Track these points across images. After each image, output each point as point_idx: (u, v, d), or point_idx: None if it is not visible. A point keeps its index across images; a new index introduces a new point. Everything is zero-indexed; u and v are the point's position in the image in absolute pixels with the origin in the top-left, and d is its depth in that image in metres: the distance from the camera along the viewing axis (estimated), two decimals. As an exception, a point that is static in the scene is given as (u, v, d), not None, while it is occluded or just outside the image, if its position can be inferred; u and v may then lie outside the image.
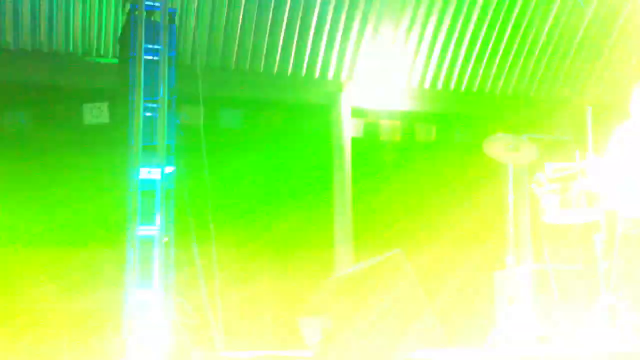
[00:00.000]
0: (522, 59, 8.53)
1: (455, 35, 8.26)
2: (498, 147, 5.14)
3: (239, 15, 7.71)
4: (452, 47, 8.33)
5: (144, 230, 5.37)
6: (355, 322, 4.11)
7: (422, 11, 8.08)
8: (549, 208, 4.82)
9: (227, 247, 6.57)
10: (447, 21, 8.16)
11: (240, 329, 6.80)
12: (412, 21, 8.14)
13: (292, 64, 8.21)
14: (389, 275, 4.27)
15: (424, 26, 8.16)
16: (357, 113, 8.49)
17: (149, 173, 5.46)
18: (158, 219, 5.39)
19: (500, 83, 8.68)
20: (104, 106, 7.63)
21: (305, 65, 8.21)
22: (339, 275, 4.65)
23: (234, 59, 7.99)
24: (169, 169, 5.64)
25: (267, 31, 7.86)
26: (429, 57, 8.38)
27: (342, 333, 4.12)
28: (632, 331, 4.45)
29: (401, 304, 4.24)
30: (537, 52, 8.50)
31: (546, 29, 8.32)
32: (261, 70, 8.20)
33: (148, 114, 5.57)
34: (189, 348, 5.31)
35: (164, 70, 5.60)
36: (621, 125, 5.10)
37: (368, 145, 8.46)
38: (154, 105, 5.63)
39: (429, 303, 4.33)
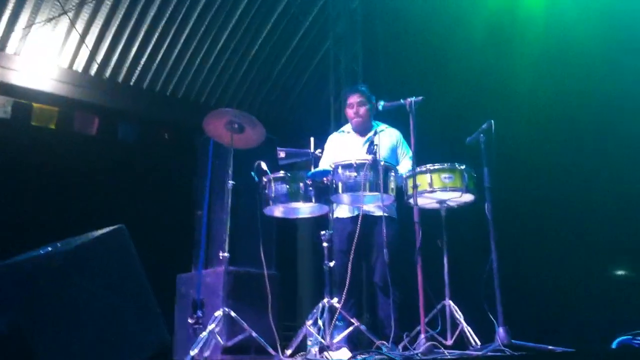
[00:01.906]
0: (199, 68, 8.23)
1: (130, 26, 7.57)
2: (220, 123, 4.45)
3: None
4: (124, 37, 7.61)
5: None
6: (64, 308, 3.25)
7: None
8: (274, 199, 4.37)
9: None
10: (121, 10, 7.44)
11: None
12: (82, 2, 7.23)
13: None
14: (109, 252, 3.49)
15: (95, 11, 7.31)
16: (5, 90, 7.19)
17: None
18: None
19: (173, 84, 8.22)
20: None
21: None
22: (22, 258, 3.62)
23: None
24: None
25: None
26: (98, 43, 7.53)
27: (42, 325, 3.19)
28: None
29: (121, 285, 3.50)
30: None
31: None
32: None
33: None
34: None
35: None
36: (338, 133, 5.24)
37: (18, 128, 7.19)
38: None
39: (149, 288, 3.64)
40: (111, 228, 3.60)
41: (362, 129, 5.08)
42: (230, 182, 4.62)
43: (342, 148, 5.05)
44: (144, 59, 7.87)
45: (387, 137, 5.04)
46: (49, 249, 3.68)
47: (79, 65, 7.57)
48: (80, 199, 7.13)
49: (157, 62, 7.95)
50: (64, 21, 7.24)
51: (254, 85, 8.77)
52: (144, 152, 7.96)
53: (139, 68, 7.90)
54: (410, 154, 4.68)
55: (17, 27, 7.04)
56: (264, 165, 4.61)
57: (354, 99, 5.07)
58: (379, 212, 4.70)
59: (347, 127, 5.22)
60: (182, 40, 7.94)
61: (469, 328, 4.55)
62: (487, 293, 4.21)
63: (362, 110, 5.03)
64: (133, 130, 7.98)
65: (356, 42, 8.05)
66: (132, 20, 7.55)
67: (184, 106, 8.30)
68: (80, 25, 7.35)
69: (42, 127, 7.38)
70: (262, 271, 4.75)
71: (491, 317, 4.21)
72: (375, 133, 4.99)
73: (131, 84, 7.93)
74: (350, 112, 5.10)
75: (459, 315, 4.61)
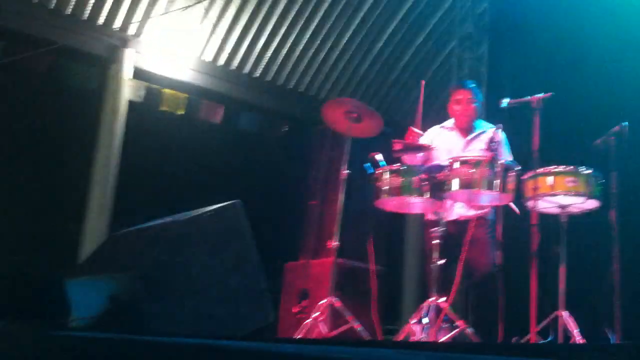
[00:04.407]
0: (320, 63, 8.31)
1: (259, 19, 7.77)
2: (339, 111, 4.51)
3: None
4: (253, 30, 7.81)
5: None
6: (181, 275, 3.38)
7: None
8: (387, 192, 4.31)
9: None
10: (252, 3, 7.64)
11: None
12: (217, -9, 7.48)
13: (74, 2, 7.09)
14: (223, 225, 3.60)
15: (228, 2, 7.55)
16: (139, 75, 7.55)
17: None
18: None
19: (294, 79, 8.35)
20: None
21: (88, 7, 7.13)
22: (143, 226, 3.81)
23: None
24: None
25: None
26: (228, 34, 7.77)
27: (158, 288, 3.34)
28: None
29: (232, 259, 3.59)
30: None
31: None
32: (34, 1, 6.96)
33: None
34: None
35: None
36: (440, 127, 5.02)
37: (146, 113, 7.53)
38: None
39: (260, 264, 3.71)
40: (227, 203, 3.67)
41: (466, 127, 4.91)
42: (346, 171, 4.61)
43: (441, 143, 4.87)
44: (269, 53, 8.04)
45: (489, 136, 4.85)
46: (168, 219, 3.81)
47: (208, 55, 7.84)
48: (199, 182, 7.39)
49: (282, 56, 8.10)
50: (198, 10, 7.51)
51: (374, 84, 8.76)
52: (263, 142, 8.14)
53: (264, 61, 8.07)
54: (510, 157, 4.51)
55: (153, 14, 7.38)
56: (379, 157, 4.55)
57: (463, 94, 4.91)
58: (472, 212, 4.59)
59: (449, 123, 5.02)
60: (307, 36, 8.06)
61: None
62: (606, 308, 3.98)
63: (471, 108, 4.87)
64: (254, 121, 8.17)
65: (482, 44, 7.87)
66: (260, 14, 7.74)
67: (304, 100, 8.41)
68: (213, 15, 7.60)
69: (170, 113, 7.69)
70: (368, 265, 4.72)
71: (608, 334, 3.97)
72: (483, 132, 4.80)
73: (256, 76, 8.12)
74: (456, 108, 4.92)
75: (574, 328, 4.36)
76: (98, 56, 7.42)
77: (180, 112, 7.77)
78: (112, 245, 4.11)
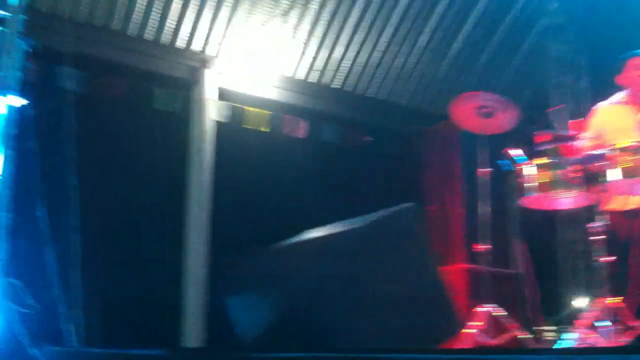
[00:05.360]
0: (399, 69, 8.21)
1: (335, 30, 7.70)
2: (468, 108, 4.31)
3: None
4: (331, 41, 7.74)
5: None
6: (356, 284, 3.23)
7: (304, -4, 7.40)
8: (533, 189, 4.11)
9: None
10: (327, 13, 7.57)
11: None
12: (292, 4, 7.42)
13: (154, 28, 7.06)
14: (399, 231, 3.44)
15: (303, 13, 7.49)
16: (223, 95, 7.50)
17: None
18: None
19: (372, 87, 8.25)
20: None
21: (168, 31, 7.10)
22: (308, 237, 3.69)
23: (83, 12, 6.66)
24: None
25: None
26: (304, 48, 7.70)
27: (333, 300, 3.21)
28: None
29: (412, 266, 3.43)
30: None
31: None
32: (116, 29, 6.94)
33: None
34: (26, 342, 3.88)
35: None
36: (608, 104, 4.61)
37: (232, 132, 7.47)
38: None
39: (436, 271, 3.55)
40: (401, 206, 3.52)
41: None
42: (484, 169, 4.43)
43: (614, 123, 4.51)
44: (347, 62, 7.97)
45: None
46: (334, 228, 3.67)
47: (288, 69, 7.77)
48: (294, 195, 7.34)
49: (359, 64, 8.02)
50: (274, 25, 7.45)
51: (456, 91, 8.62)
52: (347, 153, 8.06)
53: (342, 71, 8.00)
54: None
55: (230, 32, 7.32)
56: (516, 152, 4.37)
57: None
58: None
59: (620, 97, 4.64)
60: (383, 43, 7.98)
61: None
62: None
63: None
64: (337, 132, 8.09)
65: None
66: (335, 24, 7.67)
67: (386, 109, 8.32)
68: (289, 29, 7.55)
69: (255, 130, 7.62)
70: (510, 269, 4.58)
71: None
72: None
73: (335, 86, 8.05)
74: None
75: None
76: (181, 79, 7.38)
77: (265, 129, 7.70)
78: (268, 260, 3.99)
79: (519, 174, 4.30)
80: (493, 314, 4.21)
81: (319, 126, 8.05)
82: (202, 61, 7.40)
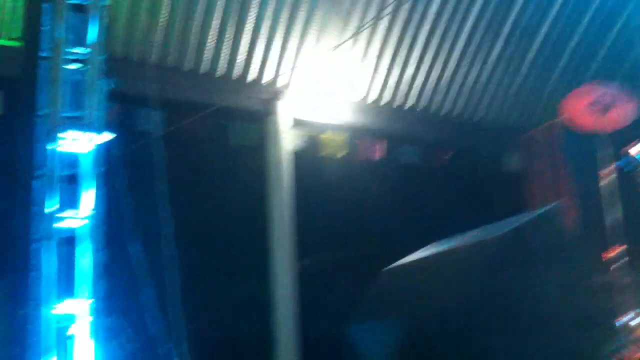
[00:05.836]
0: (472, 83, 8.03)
1: (405, 50, 7.60)
2: (581, 104, 3.96)
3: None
4: (399, 62, 7.64)
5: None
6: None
7: (369, 18, 7.32)
8: None
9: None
10: (395, 34, 7.49)
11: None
12: (359, 29, 7.36)
13: (225, 64, 7.11)
14: (549, 235, 3.08)
15: (371, 37, 7.42)
16: (296, 124, 7.47)
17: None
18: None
19: (447, 104, 8.08)
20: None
21: (239, 67, 7.14)
22: (436, 251, 3.42)
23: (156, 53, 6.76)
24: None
25: (199, 26, 6.74)
26: (375, 70, 7.62)
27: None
28: None
29: (568, 273, 3.05)
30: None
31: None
32: (187, 69, 7.02)
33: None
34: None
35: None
36: None
37: (309, 160, 7.41)
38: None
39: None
40: (547, 207, 3.15)
41: None
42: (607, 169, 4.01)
43: None
44: (419, 81, 7.84)
45: None
46: (463, 239, 3.33)
47: (359, 93, 7.70)
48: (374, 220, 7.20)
49: (431, 83, 7.88)
50: (344, 50, 7.40)
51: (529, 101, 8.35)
52: (426, 173, 7.89)
53: (415, 91, 7.87)
54: None
55: (298, 61, 7.31)
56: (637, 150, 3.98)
57: None
58: None
59: None
60: (454, 59, 7.83)
61: None
62: None
63: None
64: (414, 153, 7.94)
65: None
66: (404, 45, 7.57)
67: (461, 125, 8.14)
68: (358, 53, 7.48)
69: (332, 156, 7.55)
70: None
71: None
72: None
73: (408, 107, 7.92)
74: None
75: None
76: (255, 111, 7.39)
77: (341, 154, 7.62)
78: (391, 281, 3.67)
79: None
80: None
81: (395, 148, 7.92)
82: (275, 93, 7.40)
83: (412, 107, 7.92)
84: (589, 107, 4.14)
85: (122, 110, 6.12)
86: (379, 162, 7.74)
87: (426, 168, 7.96)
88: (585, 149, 4.40)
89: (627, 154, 3.93)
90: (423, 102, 7.97)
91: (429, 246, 3.56)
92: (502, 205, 6.92)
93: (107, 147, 3.85)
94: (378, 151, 7.77)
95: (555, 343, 2.80)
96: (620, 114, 4.06)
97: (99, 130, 3.98)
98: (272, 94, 7.38)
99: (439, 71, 7.84)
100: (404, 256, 6.60)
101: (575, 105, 4.17)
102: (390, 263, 7.17)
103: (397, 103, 7.86)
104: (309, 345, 6.52)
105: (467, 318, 2.87)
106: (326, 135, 7.58)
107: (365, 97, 7.73)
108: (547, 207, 3.12)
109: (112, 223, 3.80)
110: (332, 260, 6.82)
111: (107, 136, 4.05)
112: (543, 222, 3.02)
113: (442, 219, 7.23)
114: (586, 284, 3.00)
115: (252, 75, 7.28)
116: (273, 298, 6.73)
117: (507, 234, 3.00)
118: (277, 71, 7.32)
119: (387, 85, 7.75)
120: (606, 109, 4.12)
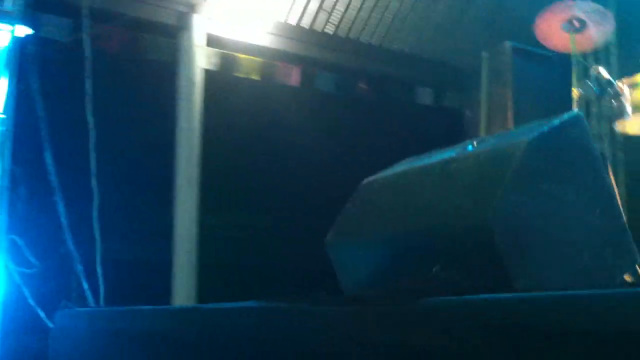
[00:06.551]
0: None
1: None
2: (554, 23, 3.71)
3: None
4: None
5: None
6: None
7: None
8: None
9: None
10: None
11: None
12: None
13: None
14: (568, 146, 2.66)
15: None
16: (212, 42, 7.10)
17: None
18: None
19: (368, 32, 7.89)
20: None
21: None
22: (430, 161, 2.96)
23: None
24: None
25: None
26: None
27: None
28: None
29: (585, 189, 2.67)
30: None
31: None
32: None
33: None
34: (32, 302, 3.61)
35: None
36: None
37: (222, 81, 7.10)
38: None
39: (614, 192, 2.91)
40: (565, 115, 2.72)
41: None
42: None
43: None
44: (341, 7, 7.61)
45: None
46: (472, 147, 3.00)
47: (280, 15, 7.40)
48: (286, 145, 7.06)
49: (354, 9, 7.67)
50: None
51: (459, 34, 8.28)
52: (342, 102, 7.77)
53: (336, 15, 7.65)
54: None
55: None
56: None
57: None
58: None
59: None
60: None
61: None
62: None
63: None
64: (334, 80, 7.78)
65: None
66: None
67: (382, 54, 8.02)
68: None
69: (247, 78, 7.28)
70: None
71: None
72: None
73: (329, 32, 7.71)
74: None
75: None
76: (169, 25, 6.95)
77: (257, 77, 7.35)
78: (377, 193, 3.18)
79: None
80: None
81: (313, 74, 7.72)
82: (191, 5, 6.98)
83: (334, 34, 7.71)
84: (562, 26, 3.95)
85: (32, 13, 5.55)
86: (297, 88, 7.53)
87: (345, 97, 7.83)
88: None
89: (599, 72, 3.78)
90: (343, 28, 7.77)
91: (403, 161, 3.31)
92: (430, 138, 6.92)
93: (20, 46, 3.46)
94: (296, 76, 7.55)
95: (570, 262, 2.63)
96: (595, 35, 3.92)
97: (17, 21, 3.54)
98: (188, 7, 6.96)
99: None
100: (318, 183, 6.52)
101: (548, 22, 3.98)
102: (303, 193, 7.09)
103: (317, 28, 7.63)
104: (207, 270, 6.45)
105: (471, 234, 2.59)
106: (242, 56, 7.27)
107: (286, 20, 7.44)
108: (565, 117, 2.75)
109: (21, 130, 3.47)
110: (237, 188, 6.64)
111: (25, 30, 3.62)
112: (557, 133, 2.65)
113: (363, 150, 7.20)
114: (609, 205, 2.77)
115: (167, -15, 6.82)
116: (174, 224, 6.50)
117: (522, 144, 2.58)
118: (193, -17, 6.89)
119: (308, 9, 7.49)
120: (580, 29, 3.93)
